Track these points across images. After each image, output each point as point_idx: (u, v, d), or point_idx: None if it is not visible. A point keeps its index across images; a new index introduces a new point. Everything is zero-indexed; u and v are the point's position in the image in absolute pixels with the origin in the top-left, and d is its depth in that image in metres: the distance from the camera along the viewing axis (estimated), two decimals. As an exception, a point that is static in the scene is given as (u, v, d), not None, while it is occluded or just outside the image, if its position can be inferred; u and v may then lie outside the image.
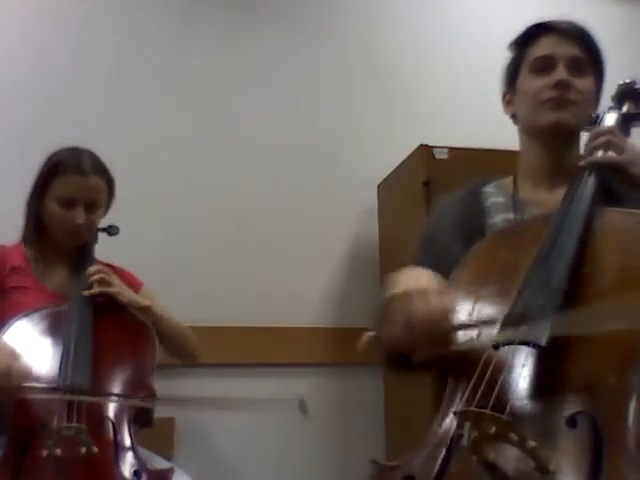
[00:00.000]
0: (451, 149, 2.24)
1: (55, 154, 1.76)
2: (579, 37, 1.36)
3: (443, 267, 1.22)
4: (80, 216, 1.71)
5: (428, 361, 1.07)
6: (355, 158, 2.67)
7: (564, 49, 1.35)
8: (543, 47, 1.36)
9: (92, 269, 1.72)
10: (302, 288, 2.54)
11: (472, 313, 1.09)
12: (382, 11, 2.85)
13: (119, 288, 1.72)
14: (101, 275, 1.70)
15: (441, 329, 1.05)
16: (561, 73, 1.32)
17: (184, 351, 1.89)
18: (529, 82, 1.37)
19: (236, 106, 2.63)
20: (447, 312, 1.06)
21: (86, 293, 1.67)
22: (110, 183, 1.79)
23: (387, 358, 1.27)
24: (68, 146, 1.78)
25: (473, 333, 1.06)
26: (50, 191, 1.72)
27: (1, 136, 2.34)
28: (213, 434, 2.38)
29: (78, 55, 2.51)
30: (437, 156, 2.24)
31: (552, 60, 1.34)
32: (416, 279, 1.13)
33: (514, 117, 1.44)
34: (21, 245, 1.81)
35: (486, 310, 1.08)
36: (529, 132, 1.40)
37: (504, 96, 1.46)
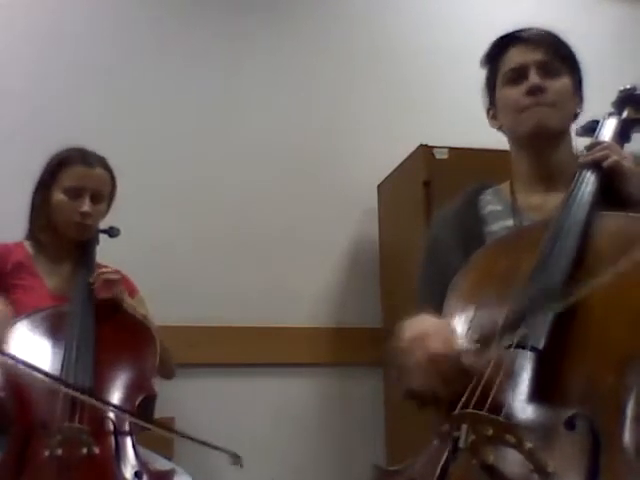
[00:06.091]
0: (451, 149, 2.24)
1: (60, 151, 1.82)
2: (545, 42, 1.38)
3: (447, 279, 1.22)
4: (86, 204, 1.76)
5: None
6: (355, 158, 2.67)
7: (532, 55, 1.36)
8: (512, 59, 1.38)
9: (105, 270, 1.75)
10: (302, 288, 2.54)
11: (473, 320, 1.10)
12: (382, 11, 2.85)
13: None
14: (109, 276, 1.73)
15: (457, 363, 1.05)
16: (533, 78, 1.34)
17: (165, 369, 1.82)
18: (506, 94, 1.39)
19: (236, 107, 2.63)
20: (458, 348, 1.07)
21: (91, 280, 1.69)
22: (113, 178, 1.85)
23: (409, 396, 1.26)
24: (72, 145, 1.83)
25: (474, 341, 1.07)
26: (57, 183, 1.78)
27: (1, 136, 2.35)
28: (213, 434, 2.38)
29: (79, 55, 2.51)
30: (437, 156, 2.24)
31: (523, 69, 1.36)
32: (422, 323, 1.13)
33: (501, 129, 1.45)
34: (23, 243, 1.82)
35: (486, 317, 1.09)
36: (515, 141, 1.42)
37: (488, 111, 1.48)
